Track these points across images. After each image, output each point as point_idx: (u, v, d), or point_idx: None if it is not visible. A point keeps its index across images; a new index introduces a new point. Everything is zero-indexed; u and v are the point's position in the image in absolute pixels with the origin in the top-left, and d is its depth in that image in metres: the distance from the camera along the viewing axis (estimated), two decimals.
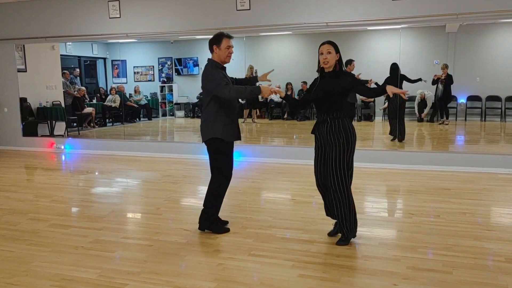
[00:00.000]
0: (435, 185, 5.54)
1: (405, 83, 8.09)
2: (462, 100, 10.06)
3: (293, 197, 5.26)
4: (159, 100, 13.01)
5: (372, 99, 9.83)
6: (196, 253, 3.52)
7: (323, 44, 3.48)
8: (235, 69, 4.20)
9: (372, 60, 9.54)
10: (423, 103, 9.89)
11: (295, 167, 6.70)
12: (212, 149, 3.83)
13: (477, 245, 3.58)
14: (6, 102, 8.94)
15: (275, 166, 6.85)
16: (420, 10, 6.27)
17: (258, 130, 10.72)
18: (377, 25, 6.77)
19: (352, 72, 7.89)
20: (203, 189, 5.71)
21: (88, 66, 12.82)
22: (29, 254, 3.56)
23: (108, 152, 8.22)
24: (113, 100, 11.49)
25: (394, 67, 7.80)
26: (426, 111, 9.84)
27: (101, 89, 12.58)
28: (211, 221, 3.94)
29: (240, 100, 3.84)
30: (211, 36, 3.83)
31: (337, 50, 3.46)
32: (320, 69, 3.54)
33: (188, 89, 12.84)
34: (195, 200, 5.26)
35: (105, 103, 11.60)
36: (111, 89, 11.90)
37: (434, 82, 9.39)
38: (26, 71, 8.99)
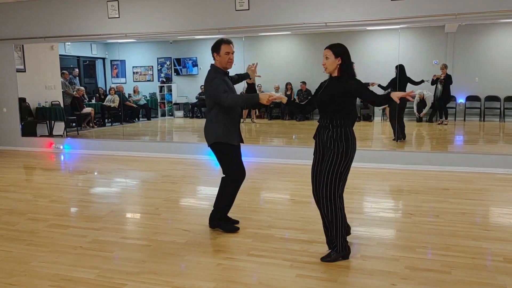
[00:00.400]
0: (434, 185, 5.55)
1: (409, 84, 8.12)
2: (461, 100, 10.07)
3: (292, 197, 5.26)
4: (158, 100, 13.00)
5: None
6: (195, 253, 3.52)
7: (324, 48, 3.31)
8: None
9: (371, 60, 9.55)
10: (422, 103, 9.90)
11: (294, 167, 6.70)
12: (217, 153, 3.87)
13: (475, 245, 3.58)
14: (5, 102, 8.93)
15: (274, 166, 6.85)
16: (419, 10, 6.27)
17: (258, 130, 10.73)
18: (376, 25, 6.78)
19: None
20: (202, 189, 5.73)
21: (87, 66, 12.81)
22: (28, 254, 3.55)
23: (107, 152, 8.22)
24: (112, 100, 11.49)
25: (401, 69, 7.80)
26: (425, 111, 9.85)
27: (100, 89, 12.57)
28: (219, 220, 3.97)
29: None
30: (210, 36, 3.86)
31: (337, 54, 3.25)
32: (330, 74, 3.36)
33: (187, 89, 12.84)
34: (194, 200, 5.26)
35: (104, 103, 11.60)
36: (110, 89, 11.89)
37: (433, 82, 9.40)
38: (25, 71, 8.98)
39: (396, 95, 3.08)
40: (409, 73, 8.09)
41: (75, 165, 7.56)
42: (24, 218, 4.48)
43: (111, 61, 12.81)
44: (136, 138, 10.09)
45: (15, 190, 5.67)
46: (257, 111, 11.37)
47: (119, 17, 7.87)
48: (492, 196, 5.11)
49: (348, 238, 3.53)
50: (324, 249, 3.40)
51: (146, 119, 12.51)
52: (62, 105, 9.60)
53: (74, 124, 10.47)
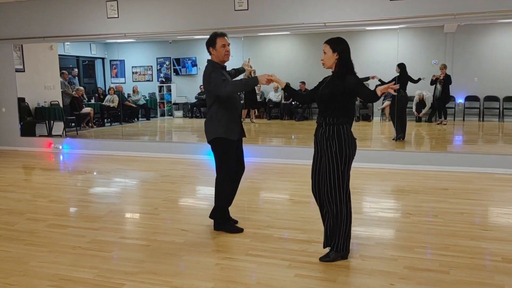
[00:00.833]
0: (433, 185, 5.55)
1: (409, 83, 8.14)
2: (460, 100, 10.08)
3: (291, 197, 5.26)
4: (158, 100, 13.00)
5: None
6: (193, 253, 3.52)
7: (324, 43, 3.25)
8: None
9: (370, 60, 9.55)
10: (421, 103, 9.91)
11: (293, 167, 6.71)
12: (217, 149, 3.85)
13: (474, 245, 3.59)
14: (4, 102, 8.93)
15: (273, 166, 6.85)
16: (418, 10, 6.28)
17: (257, 130, 10.73)
18: (375, 25, 6.78)
19: None
20: (202, 189, 5.73)
21: (87, 66, 12.81)
22: (27, 254, 3.55)
23: (106, 152, 8.22)
24: (111, 100, 11.48)
25: (402, 67, 7.83)
26: (424, 111, 9.86)
27: (99, 89, 12.57)
28: (222, 222, 3.97)
29: (239, 94, 3.83)
30: (209, 36, 3.84)
31: (335, 49, 3.18)
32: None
33: (186, 89, 12.84)
34: (193, 200, 5.27)
35: (103, 103, 11.59)
36: (109, 89, 11.89)
37: (433, 82, 9.41)
38: (24, 71, 8.97)
39: (379, 90, 3.04)
40: (409, 73, 8.10)
41: (74, 165, 7.56)
42: (23, 218, 4.48)
43: (111, 61, 12.81)
44: (136, 138, 10.09)
45: (14, 190, 5.66)
46: (256, 111, 11.37)
47: (118, 17, 7.86)
48: (491, 196, 5.11)
49: None
50: (322, 249, 3.40)
51: (145, 119, 12.51)
52: (61, 105, 9.60)
53: (73, 124, 10.46)
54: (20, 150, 8.83)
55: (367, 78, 7.65)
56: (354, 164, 3.31)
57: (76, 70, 11.97)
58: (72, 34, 8.21)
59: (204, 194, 5.36)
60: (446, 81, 9.26)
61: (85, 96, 11.57)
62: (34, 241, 3.85)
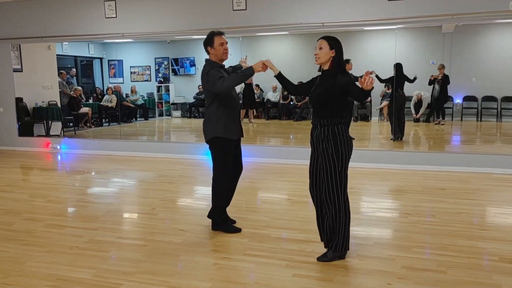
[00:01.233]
0: (431, 185, 5.56)
1: (406, 83, 8.16)
2: (458, 100, 10.09)
3: (289, 197, 5.26)
4: (156, 100, 12.99)
5: (369, 99, 9.83)
6: (191, 253, 3.52)
7: (318, 39, 3.23)
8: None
9: (368, 60, 9.55)
10: (419, 104, 9.92)
11: (291, 167, 6.71)
12: (215, 149, 3.84)
13: (471, 244, 3.59)
14: (2, 102, 8.91)
15: (272, 166, 6.85)
16: (416, 10, 6.29)
17: (255, 130, 10.73)
18: (373, 26, 6.79)
19: (350, 72, 7.92)
20: (199, 189, 5.73)
21: (85, 66, 12.80)
22: (24, 254, 3.55)
23: (105, 152, 8.21)
24: (109, 100, 11.47)
25: (398, 67, 7.85)
26: (421, 111, 9.87)
27: (97, 89, 12.55)
28: (219, 222, 3.97)
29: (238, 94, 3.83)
30: (207, 36, 3.83)
31: (332, 46, 3.15)
32: (320, 68, 3.28)
33: (185, 89, 12.83)
34: (191, 200, 5.26)
35: (101, 103, 11.58)
36: (107, 89, 11.88)
37: (431, 82, 9.42)
38: (22, 71, 8.96)
39: (362, 85, 2.95)
40: (406, 73, 8.12)
41: (72, 165, 7.55)
42: (21, 218, 4.47)
43: (109, 61, 12.79)
44: (134, 138, 10.08)
45: (12, 190, 5.65)
46: (254, 111, 11.38)
47: (116, 17, 7.86)
48: (489, 196, 5.12)
49: None
50: (321, 249, 3.40)
51: (143, 119, 12.50)
52: (59, 105, 9.58)
53: (71, 124, 10.45)
54: (18, 150, 8.81)
55: (361, 76, 7.66)
56: (352, 164, 3.31)
57: (74, 70, 11.96)
58: (70, 34, 8.20)
59: (202, 194, 5.36)
60: (444, 81, 9.26)
61: (83, 96, 11.56)
62: (32, 241, 3.84)
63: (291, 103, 11.12)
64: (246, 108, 10.64)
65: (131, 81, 12.89)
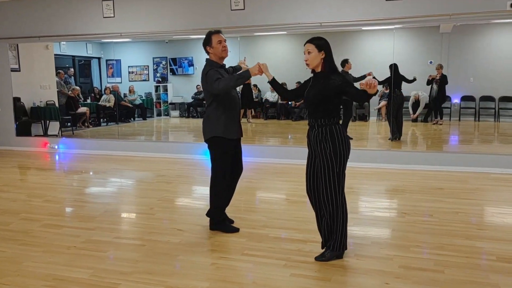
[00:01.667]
0: (429, 184, 5.56)
1: (403, 83, 8.17)
2: (456, 100, 10.11)
3: (288, 197, 5.26)
4: (154, 100, 12.98)
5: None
6: (189, 252, 3.51)
7: (305, 43, 3.21)
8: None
9: (366, 60, 9.56)
10: (417, 104, 9.93)
11: (289, 167, 6.71)
12: (214, 149, 3.84)
13: (469, 244, 3.59)
14: (0, 102, 8.89)
15: (270, 166, 6.85)
16: (414, 10, 6.29)
17: (253, 130, 10.73)
18: (371, 25, 6.79)
19: (349, 71, 7.92)
20: (197, 189, 5.72)
21: (83, 66, 12.78)
22: (21, 254, 3.54)
23: (102, 152, 8.19)
24: (107, 100, 11.46)
25: (395, 68, 7.86)
26: (418, 111, 9.88)
27: (95, 88, 12.54)
28: (217, 221, 3.96)
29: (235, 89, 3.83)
30: (205, 36, 3.83)
31: (320, 48, 3.12)
32: (313, 70, 3.27)
33: (183, 88, 12.83)
34: (189, 200, 5.26)
35: (99, 103, 11.57)
36: (105, 89, 11.86)
37: (429, 82, 9.43)
38: (19, 71, 8.94)
39: (365, 87, 2.92)
40: (404, 73, 8.12)
41: (69, 165, 7.53)
42: (18, 218, 4.46)
43: (107, 60, 12.78)
44: (132, 138, 10.06)
45: (9, 190, 5.64)
46: (252, 111, 11.38)
47: (114, 17, 7.84)
48: (486, 195, 5.13)
49: None
50: (319, 249, 3.40)
51: (141, 119, 12.49)
52: (57, 104, 9.56)
53: (69, 123, 10.43)
54: (16, 150, 8.79)
55: (364, 77, 7.67)
56: (350, 164, 3.30)
57: (72, 69, 11.94)
58: (68, 33, 8.18)
59: (200, 194, 5.35)
60: (442, 81, 9.28)
61: (81, 95, 11.55)
62: (29, 241, 3.83)
63: (289, 103, 11.13)
64: (244, 108, 10.64)
65: (129, 81, 12.88)
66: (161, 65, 12.92)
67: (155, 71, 12.98)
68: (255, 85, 11.28)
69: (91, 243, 3.74)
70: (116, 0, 7.81)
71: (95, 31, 8.02)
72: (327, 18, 6.69)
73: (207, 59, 3.84)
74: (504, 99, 9.82)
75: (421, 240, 3.69)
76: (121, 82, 12.65)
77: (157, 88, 12.94)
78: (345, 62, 7.93)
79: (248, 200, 5.05)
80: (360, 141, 8.54)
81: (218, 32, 3.81)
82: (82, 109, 10.85)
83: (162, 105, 12.97)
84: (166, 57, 12.77)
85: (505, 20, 6.89)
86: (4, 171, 6.86)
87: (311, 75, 3.32)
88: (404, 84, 8.16)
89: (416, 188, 5.39)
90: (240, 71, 3.79)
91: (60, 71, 10.54)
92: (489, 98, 9.96)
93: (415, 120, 9.94)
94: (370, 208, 4.64)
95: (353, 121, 10.16)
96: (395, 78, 7.89)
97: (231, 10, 7.15)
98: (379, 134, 9.97)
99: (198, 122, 3.95)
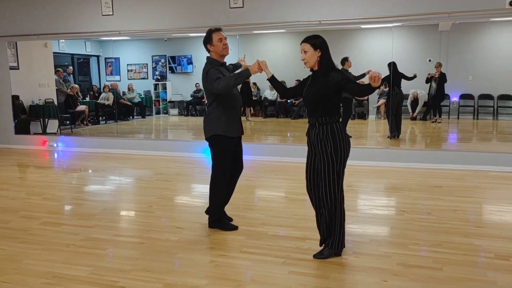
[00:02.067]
0: (427, 182, 5.57)
1: (403, 80, 8.17)
2: (454, 98, 10.12)
3: (286, 194, 5.27)
4: (153, 98, 12.98)
5: (366, 97, 9.84)
6: (187, 250, 3.52)
7: (301, 43, 3.19)
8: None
9: (365, 58, 9.57)
10: (416, 102, 9.94)
11: (288, 165, 6.71)
12: (215, 147, 3.84)
13: (467, 242, 3.60)
14: None
15: (269, 164, 6.86)
16: (413, 8, 6.29)
17: (252, 128, 10.73)
18: (370, 24, 6.79)
19: (349, 69, 7.93)
20: (196, 187, 5.73)
21: (81, 64, 12.77)
22: (20, 252, 3.54)
23: (101, 150, 8.19)
24: (106, 98, 11.46)
25: (393, 66, 7.87)
26: (417, 110, 9.89)
27: (94, 86, 12.53)
28: (216, 219, 3.96)
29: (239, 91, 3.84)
30: (204, 34, 3.83)
31: (316, 47, 3.12)
32: (311, 68, 3.27)
33: (182, 87, 12.83)
34: (188, 198, 5.27)
35: (98, 101, 11.56)
36: (104, 87, 11.86)
37: (428, 80, 9.44)
38: (18, 69, 8.93)
39: (371, 80, 2.91)
40: (403, 72, 8.12)
41: (68, 163, 7.53)
42: (17, 216, 4.46)
43: (105, 58, 12.77)
44: (131, 136, 10.06)
45: (8, 188, 5.64)
46: (252, 109, 11.38)
47: (112, 14, 7.83)
48: (484, 193, 5.14)
49: None
50: (317, 246, 3.41)
51: (140, 117, 12.48)
52: (56, 102, 9.56)
53: (68, 122, 10.44)
54: (14, 148, 8.79)
55: (363, 75, 7.68)
56: (349, 162, 3.29)
57: (71, 67, 11.94)
58: (67, 31, 8.17)
59: (199, 192, 5.36)
60: (441, 79, 9.29)
61: (80, 94, 11.54)
62: (28, 239, 3.84)
63: (289, 101, 11.13)
64: (243, 106, 10.64)
65: (128, 79, 12.87)
66: (160, 63, 12.92)
67: (154, 69, 12.97)
68: (254, 83, 11.28)
69: (90, 241, 3.75)
70: None
71: (94, 29, 8.00)
72: (326, 16, 6.69)
73: (207, 57, 3.83)
74: (503, 97, 9.84)
75: (419, 238, 3.70)
76: (120, 80, 12.65)
77: (156, 86, 12.93)
78: (345, 60, 7.94)
79: (247, 198, 5.06)
80: (359, 139, 8.55)
81: (218, 30, 3.80)
82: (81, 107, 10.85)
83: (161, 103, 12.96)
84: (165, 55, 12.77)
85: (504, 18, 6.90)
86: (3, 169, 6.86)
87: (310, 73, 3.32)
88: (403, 82, 8.16)
89: (414, 186, 5.40)
90: (240, 70, 3.79)
91: (59, 69, 10.54)
92: (488, 96, 9.98)
93: (414, 118, 9.95)
94: (368, 206, 4.65)
95: (352, 119, 10.17)
96: (394, 76, 7.90)
97: (230, 8, 7.15)
98: (378, 132, 9.98)
99: (197, 120, 3.96)
